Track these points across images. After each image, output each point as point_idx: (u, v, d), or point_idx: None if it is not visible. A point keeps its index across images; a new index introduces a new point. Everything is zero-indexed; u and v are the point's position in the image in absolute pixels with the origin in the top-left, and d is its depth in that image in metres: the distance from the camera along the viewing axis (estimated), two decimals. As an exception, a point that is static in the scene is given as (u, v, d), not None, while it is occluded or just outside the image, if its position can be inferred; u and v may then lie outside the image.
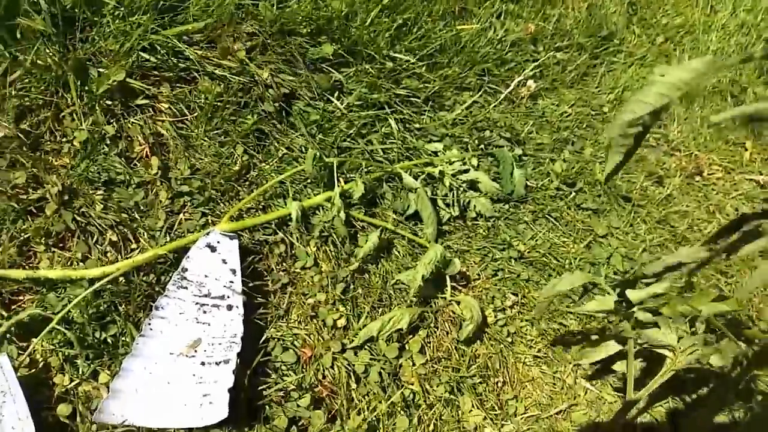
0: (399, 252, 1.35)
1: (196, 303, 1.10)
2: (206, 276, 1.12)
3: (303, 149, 1.37)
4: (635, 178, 1.74)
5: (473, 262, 1.42)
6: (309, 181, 1.35)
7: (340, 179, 1.35)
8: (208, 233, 1.15)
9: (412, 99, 1.56)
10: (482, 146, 1.56)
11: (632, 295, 1.08)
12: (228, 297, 1.10)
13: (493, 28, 1.78)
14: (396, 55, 1.54)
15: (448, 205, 1.45)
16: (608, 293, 1.14)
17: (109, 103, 1.28)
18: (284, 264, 1.25)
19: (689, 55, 2.29)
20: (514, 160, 1.54)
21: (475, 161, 1.51)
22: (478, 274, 1.41)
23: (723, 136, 2.05)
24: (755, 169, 2.02)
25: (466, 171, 1.47)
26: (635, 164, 1.79)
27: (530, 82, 1.76)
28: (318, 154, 1.28)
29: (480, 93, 1.67)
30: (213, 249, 1.15)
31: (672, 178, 1.81)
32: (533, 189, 1.59)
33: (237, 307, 1.09)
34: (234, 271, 1.13)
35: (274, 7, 1.41)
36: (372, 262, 1.31)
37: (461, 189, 1.46)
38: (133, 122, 1.30)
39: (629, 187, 1.71)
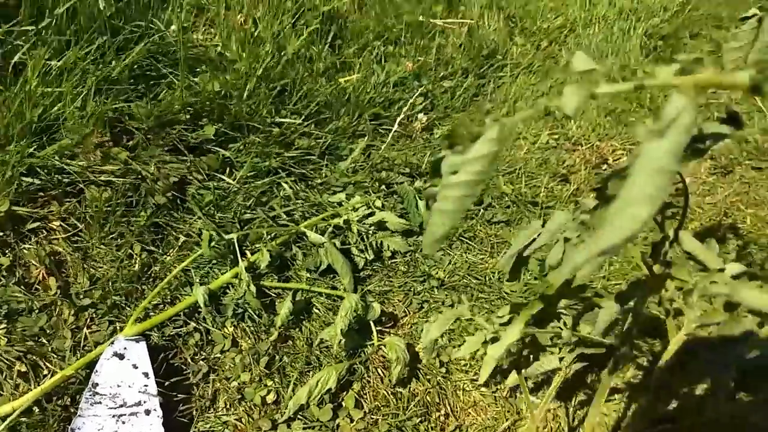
0: (319, 310, 1.36)
1: (113, 416, 1.08)
2: (119, 386, 1.11)
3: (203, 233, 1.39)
4: (539, 182, 1.81)
5: (397, 300, 1.45)
6: (213, 262, 1.36)
7: (246, 252, 1.37)
8: (112, 342, 1.15)
9: (307, 157, 1.61)
10: (383, 187, 1.61)
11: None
12: (144, 402, 1.09)
13: (375, 73, 1.86)
14: (282, 120, 1.60)
15: (361, 251, 1.48)
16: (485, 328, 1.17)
17: (0, 234, 1.28)
18: (202, 352, 1.25)
19: (574, 51, 2.43)
20: (416, 192, 1.59)
21: (379, 203, 1.55)
22: (405, 311, 1.43)
23: (623, 120, 2.16)
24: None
25: (371, 214, 1.51)
26: (537, 168, 1.86)
27: (421, 116, 1.84)
28: (214, 234, 1.30)
29: (373, 137, 1.73)
30: (121, 357, 1.14)
31: (577, 173, 1.89)
32: (444, 215, 1.64)
33: (155, 410, 1.08)
34: (146, 375, 1.12)
35: (148, 104, 1.45)
36: (293, 327, 1.32)
37: (370, 232, 1.49)
38: (27, 247, 1.30)
39: (534, 191, 1.77)
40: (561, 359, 1.00)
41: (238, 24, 1.62)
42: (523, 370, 1.04)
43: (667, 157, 0.27)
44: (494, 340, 0.89)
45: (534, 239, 0.84)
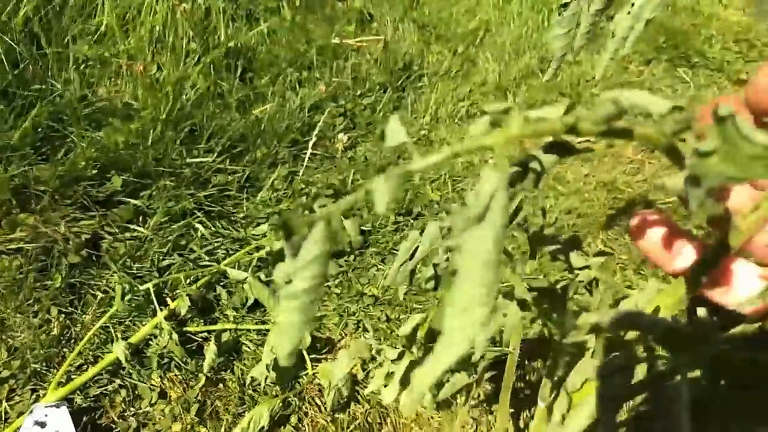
0: (249, 347, 1.34)
1: (35, 490, 1.04)
2: (39, 457, 1.07)
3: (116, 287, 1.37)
4: (466, 184, 1.83)
5: (332, 324, 1.44)
6: (134, 314, 1.34)
7: (167, 300, 1.35)
8: (31, 411, 1.11)
9: (226, 193, 1.60)
10: (307, 212, 1.60)
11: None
12: (66, 470, 1.06)
13: (290, 100, 1.87)
14: (193, 160, 1.59)
15: (290, 281, 1.47)
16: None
17: None
18: (131, 408, 1.22)
19: (491, 52, 2.49)
20: (342, 212, 1.59)
21: (303, 229, 1.55)
22: (341, 334, 1.42)
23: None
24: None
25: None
26: (464, 171, 1.89)
27: (341, 135, 1.85)
28: (127, 287, 1.28)
29: (294, 163, 1.74)
30: (42, 425, 1.11)
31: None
32: (372, 231, 1.64)
33: (77, 476, 1.05)
34: (68, 441, 1.09)
35: (52, 165, 1.43)
36: (224, 369, 1.29)
37: (296, 261, 1.48)
38: (-64, 328, 1.26)
39: (463, 195, 1.79)
40: (471, 374, 1.00)
41: (140, 72, 1.61)
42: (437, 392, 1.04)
43: (492, 246, 0.23)
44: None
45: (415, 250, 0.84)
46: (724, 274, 0.44)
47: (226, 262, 1.44)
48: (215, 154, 1.62)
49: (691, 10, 3.41)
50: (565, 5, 0.68)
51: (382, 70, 2.15)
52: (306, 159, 1.72)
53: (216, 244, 1.49)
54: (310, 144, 1.72)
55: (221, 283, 1.43)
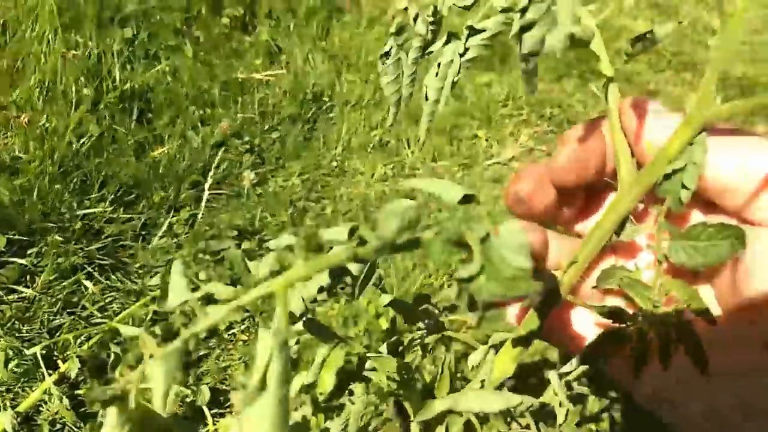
0: (147, 405, 1.30)
1: None
2: None
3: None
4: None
5: (240, 374, 1.41)
6: (23, 380, 1.28)
7: (59, 362, 1.30)
8: None
9: (120, 243, 1.56)
10: (208, 256, 1.58)
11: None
12: None
13: (191, 140, 1.85)
14: (85, 211, 1.54)
15: (193, 330, 1.44)
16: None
17: None
18: (14, 485, 1.16)
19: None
20: (245, 254, 1.58)
21: (204, 274, 1.52)
22: (247, 383, 1.40)
23: (455, 136, 2.26)
24: (494, 153, 2.24)
25: (196, 288, 1.48)
26: (377, 202, 1.91)
27: (247, 173, 1.84)
28: (12, 352, 1.22)
29: (196, 205, 1.71)
30: None
31: (415, 199, 1.95)
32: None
33: None
34: None
35: None
36: (119, 431, 1.25)
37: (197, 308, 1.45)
38: None
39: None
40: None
41: (25, 123, 1.56)
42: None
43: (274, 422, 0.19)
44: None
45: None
46: (563, 322, 0.48)
47: (118, 318, 1.40)
48: (107, 203, 1.58)
49: (601, 24, 3.58)
50: (387, 54, 0.69)
51: (292, 103, 2.16)
52: (204, 199, 1.70)
53: (109, 299, 1.45)
54: (207, 185, 1.70)
55: (115, 341, 1.38)
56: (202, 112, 1.98)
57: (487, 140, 2.28)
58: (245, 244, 1.64)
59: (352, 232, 0.39)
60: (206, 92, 2.04)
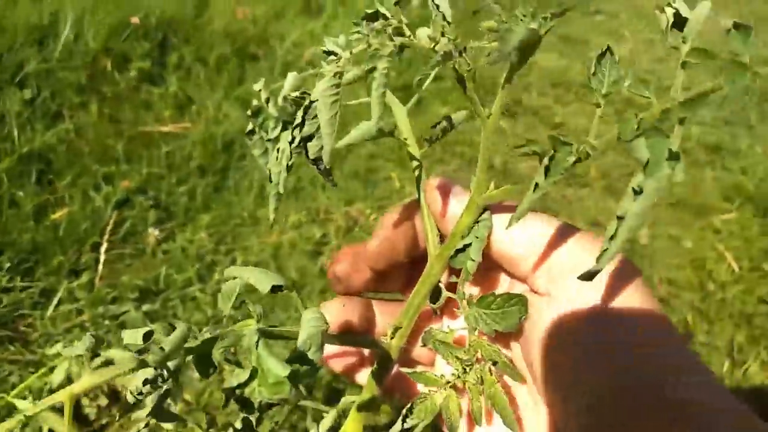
0: (39, 484, 1.27)
1: None
2: None
3: None
4: (291, 262, 1.88)
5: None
6: None
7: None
8: None
9: (18, 313, 1.54)
10: (107, 321, 1.58)
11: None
12: None
13: (93, 200, 1.85)
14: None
15: (93, 399, 1.42)
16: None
17: None
18: None
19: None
20: (144, 316, 1.58)
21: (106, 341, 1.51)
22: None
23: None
24: (407, 193, 2.32)
25: (96, 355, 1.47)
26: (289, 249, 1.94)
27: (152, 230, 1.84)
28: None
29: (96, 268, 1.70)
30: None
31: (329, 243, 2.00)
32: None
33: None
34: None
35: None
36: None
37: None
38: None
39: (287, 275, 1.83)
40: None
41: None
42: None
43: None
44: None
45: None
46: (406, 382, 0.54)
47: (15, 391, 1.37)
48: (4, 271, 1.56)
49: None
50: (251, 132, 0.73)
51: (202, 153, 2.18)
52: (101, 261, 1.69)
53: (6, 372, 1.42)
54: (103, 247, 1.69)
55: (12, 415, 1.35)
56: (106, 169, 1.98)
57: (400, 181, 2.36)
58: (147, 306, 1.64)
59: (146, 336, 0.44)
60: (111, 148, 2.04)
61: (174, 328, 0.40)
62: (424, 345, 0.53)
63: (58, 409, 1.23)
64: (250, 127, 0.73)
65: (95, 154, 1.99)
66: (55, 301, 1.57)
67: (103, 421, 1.43)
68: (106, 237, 1.73)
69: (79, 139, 2.01)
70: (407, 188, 2.32)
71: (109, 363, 1.28)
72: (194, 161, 2.15)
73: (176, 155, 2.15)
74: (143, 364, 0.40)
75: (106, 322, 1.58)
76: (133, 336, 0.43)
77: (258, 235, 2.02)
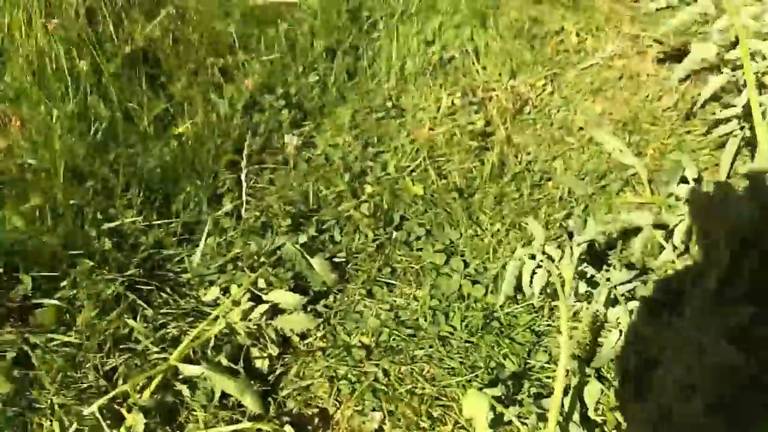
0: (229, 451, 1.21)
1: None
2: None
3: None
4: (452, 164, 1.59)
5: (322, 393, 1.30)
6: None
7: (123, 412, 1.21)
8: None
9: (161, 255, 1.41)
10: (263, 259, 1.41)
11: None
12: None
13: (216, 105, 1.61)
14: (112, 224, 1.39)
15: (262, 349, 1.32)
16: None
17: None
18: None
19: None
20: (303, 251, 1.40)
21: (263, 281, 1.37)
22: (335, 402, 1.28)
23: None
24: (589, 49, 1.87)
25: (258, 300, 1.34)
26: (447, 145, 1.64)
27: (289, 137, 1.61)
28: (67, 420, 1.14)
29: (238, 191, 1.52)
30: None
31: (496, 131, 1.67)
32: (349, 259, 1.45)
33: None
34: None
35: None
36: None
37: (264, 324, 1.32)
38: None
39: (452, 178, 1.56)
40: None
41: (16, 126, 1.36)
42: None
43: None
44: None
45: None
46: None
47: (176, 353, 1.27)
48: (135, 209, 1.40)
49: None
50: None
51: (327, 29, 1.84)
52: (244, 184, 1.49)
53: (159, 325, 1.32)
54: (242, 164, 1.48)
55: (179, 378, 1.27)
56: (223, 61, 1.71)
57: (578, 34, 1.89)
58: (302, 237, 1.44)
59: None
60: (223, 34, 1.75)
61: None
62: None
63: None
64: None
65: (207, 44, 1.71)
66: (203, 238, 1.41)
67: (277, 372, 1.32)
68: (244, 152, 1.51)
69: (184, 26, 1.73)
70: (588, 41, 1.86)
71: (276, 307, 1.01)
72: (318, 40, 1.81)
73: (296, 33, 1.82)
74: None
75: (262, 260, 1.41)
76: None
77: (406, 130, 1.72)
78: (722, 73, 1.18)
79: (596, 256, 1.40)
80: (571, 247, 1.28)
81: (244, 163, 1.49)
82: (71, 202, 1.31)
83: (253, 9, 1.84)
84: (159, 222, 1.42)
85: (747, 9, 1.10)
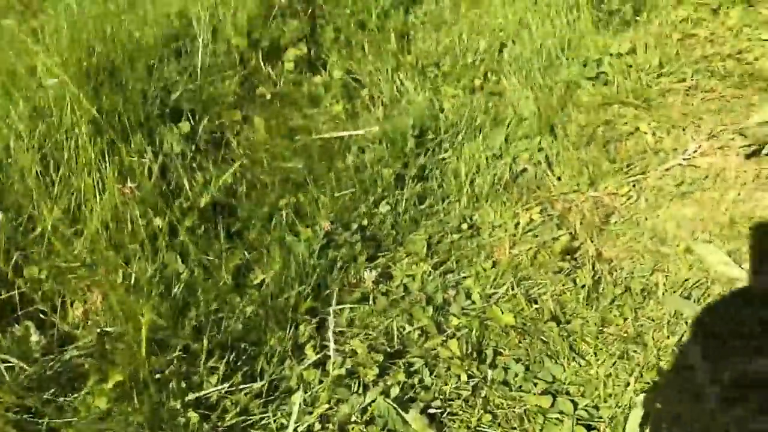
0: None
1: None
2: None
3: None
4: (543, 288, 1.49)
5: None
6: None
7: None
8: None
9: (247, 422, 1.34)
10: (355, 416, 1.32)
11: None
12: None
13: (292, 247, 1.59)
14: (198, 394, 1.33)
15: None
16: None
17: None
18: None
19: (515, 71, 2.10)
20: (395, 406, 1.30)
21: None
22: None
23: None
24: (667, 150, 1.78)
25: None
26: (534, 268, 1.55)
27: (367, 273, 1.56)
28: None
29: (320, 344, 1.45)
30: None
31: (583, 245, 1.57)
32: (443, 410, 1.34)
33: None
34: None
35: None
36: None
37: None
38: None
39: (544, 305, 1.45)
40: None
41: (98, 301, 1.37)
42: None
43: None
44: None
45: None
46: None
47: None
48: (220, 376, 1.35)
49: None
50: None
51: (391, 156, 1.82)
52: (331, 330, 1.43)
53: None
54: (333, 304, 1.42)
55: None
56: (294, 199, 1.70)
57: (654, 133, 1.81)
58: (394, 389, 1.35)
59: None
60: (292, 172, 1.76)
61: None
62: None
63: None
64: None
65: (278, 185, 1.72)
66: (293, 414, 1.33)
67: None
68: (327, 298, 1.46)
69: (255, 168, 1.75)
70: (665, 142, 1.77)
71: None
72: (386, 167, 1.79)
73: (364, 162, 1.81)
74: None
75: (353, 417, 1.32)
76: None
77: (485, 250, 1.64)
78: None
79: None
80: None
81: (331, 315, 1.44)
82: (156, 376, 1.28)
83: (317, 142, 1.86)
84: (244, 387, 1.36)
85: None
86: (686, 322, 1.40)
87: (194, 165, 1.75)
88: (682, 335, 1.37)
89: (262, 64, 2.05)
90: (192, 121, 1.84)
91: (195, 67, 2.01)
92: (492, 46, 2.14)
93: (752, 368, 1.23)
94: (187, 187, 1.63)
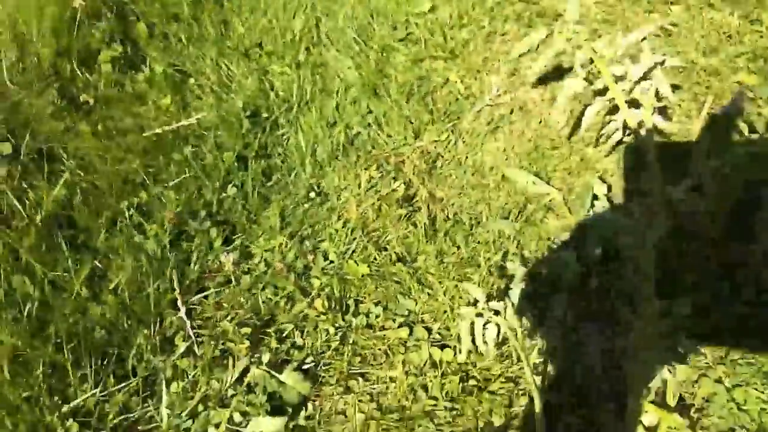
0: None
1: None
2: None
3: None
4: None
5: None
6: None
7: None
8: None
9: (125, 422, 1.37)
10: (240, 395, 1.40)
11: None
12: None
13: (143, 246, 1.60)
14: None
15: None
16: None
17: None
18: None
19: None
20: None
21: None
22: None
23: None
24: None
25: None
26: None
27: (224, 257, 1.62)
28: None
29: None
30: None
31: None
32: None
33: None
34: None
35: None
36: None
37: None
38: None
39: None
40: None
41: None
42: None
43: None
44: None
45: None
46: None
47: None
48: (91, 383, 1.36)
49: None
50: None
51: (230, 135, 1.86)
52: (184, 316, 1.48)
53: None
54: (179, 301, 1.47)
55: None
56: (137, 199, 1.71)
57: (462, 81, 2.01)
58: (265, 355, 1.44)
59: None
60: (131, 173, 1.75)
61: None
62: None
63: None
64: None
65: (117, 188, 1.71)
66: (163, 389, 1.39)
67: None
68: (177, 290, 1.51)
69: (89, 176, 1.73)
70: (473, 87, 1.98)
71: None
72: (226, 151, 1.84)
73: (202, 150, 1.85)
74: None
75: (230, 390, 1.40)
76: None
77: (335, 212, 1.76)
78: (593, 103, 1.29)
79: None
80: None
81: (180, 302, 1.49)
82: (24, 395, 1.26)
83: (150, 139, 1.85)
84: (118, 388, 1.38)
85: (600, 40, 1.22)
86: (509, 238, 1.63)
87: (24, 185, 1.69)
88: (506, 251, 1.60)
89: (77, 70, 1.98)
90: (13, 141, 1.77)
91: (5, 85, 1.92)
92: (309, 21, 2.23)
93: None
94: (20, 208, 1.57)
